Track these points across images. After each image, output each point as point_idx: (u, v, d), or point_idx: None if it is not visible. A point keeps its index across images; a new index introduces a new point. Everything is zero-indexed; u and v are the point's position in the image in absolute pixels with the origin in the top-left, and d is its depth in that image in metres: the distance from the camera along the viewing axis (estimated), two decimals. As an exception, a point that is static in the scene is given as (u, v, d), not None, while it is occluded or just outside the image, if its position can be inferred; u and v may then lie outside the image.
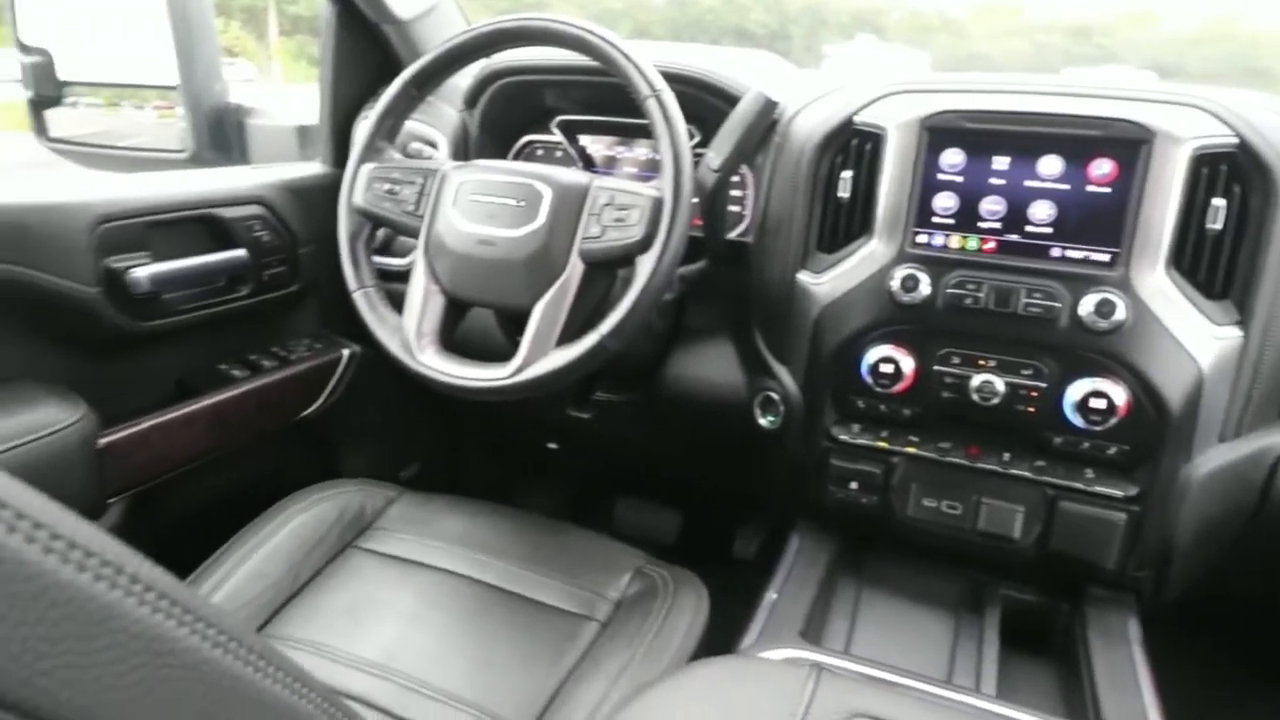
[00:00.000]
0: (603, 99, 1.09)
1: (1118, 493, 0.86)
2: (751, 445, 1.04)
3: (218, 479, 1.15)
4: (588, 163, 1.16)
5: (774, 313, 0.97)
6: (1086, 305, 0.81)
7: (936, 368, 0.89)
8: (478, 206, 0.86)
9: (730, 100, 0.98)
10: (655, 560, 0.96)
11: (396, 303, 0.91)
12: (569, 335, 0.82)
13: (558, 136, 1.15)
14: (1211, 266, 0.81)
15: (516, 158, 1.21)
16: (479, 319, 0.96)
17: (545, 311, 0.82)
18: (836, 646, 0.91)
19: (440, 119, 1.18)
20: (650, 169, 1.14)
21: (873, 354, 0.90)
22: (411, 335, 0.87)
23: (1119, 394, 0.82)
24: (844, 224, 0.92)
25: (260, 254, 1.12)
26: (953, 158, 0.86)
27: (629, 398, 1.16)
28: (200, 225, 1.06)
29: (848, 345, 0.91)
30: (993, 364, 0.87)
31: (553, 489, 1.66)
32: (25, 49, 1.44)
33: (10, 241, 0.86)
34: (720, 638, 0.87)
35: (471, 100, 1.18)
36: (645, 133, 1.05)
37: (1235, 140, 0.79)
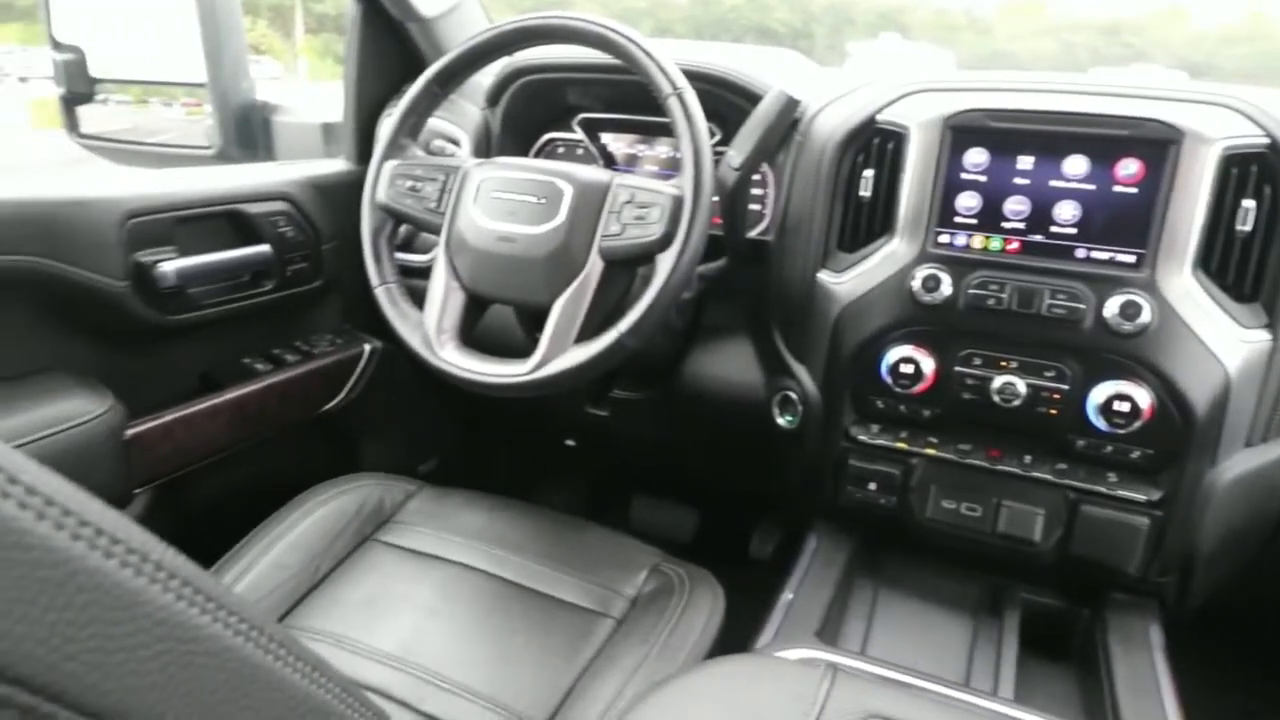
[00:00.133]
0: (624, 97, 1.09)
1: (1141, 497, 0.85)
2: (769, 445, 1.04)
3: (240, 471, 1.16)
4: (609, 160, 1.16)
5: (794, 312, 0.97)
6: (1111, 307, 0.80)
7: (957, 369, 0.88)
8: (499, 203, 0.86)
9: (752, 99, 0.97)
10: (671, 558, 0.96)
11: (418, 299, 0.92)
12: (588, 333, 0.82)
13: (579, 134, 1.15)
14: (1240, 269, 0.80)
15: (538, 155, 1.22)
16: (499, 315, 0.96)
17: (564, 309, 0.82)
18: (853, 647, 0.90)
19: (463, 117, 1.19)
20: (671, 167, 1.14)
21: (893, 354, 0.89)
22: (432, 331, 0.88)
23: (1143, 397, 0.81)
24: (865, 223, 0.92)
25: (284, 249, 1.13)
26: (976, 157, 0.86)
27: (647, 396, 1.16)
28: (226, 221, 1.08)
29: (868, 345, 0.91)
30: (1015, 365, 0.86)
31: (570, 485, 1.66)
32: (58, 46, 1.46)
33: (42, 236, 0.88)
34: (735, 637, 0.87)
35: (494, 98, 1.18)
36: (666, 131, 1.05)
37: (1266, 140, 0.77)
